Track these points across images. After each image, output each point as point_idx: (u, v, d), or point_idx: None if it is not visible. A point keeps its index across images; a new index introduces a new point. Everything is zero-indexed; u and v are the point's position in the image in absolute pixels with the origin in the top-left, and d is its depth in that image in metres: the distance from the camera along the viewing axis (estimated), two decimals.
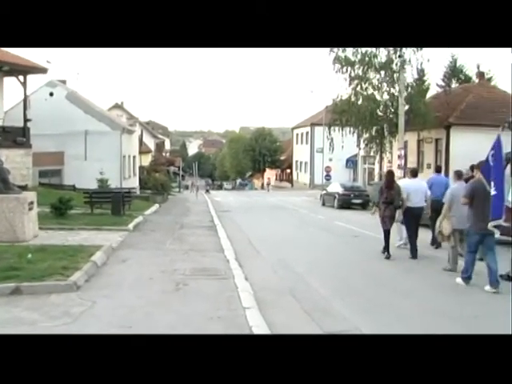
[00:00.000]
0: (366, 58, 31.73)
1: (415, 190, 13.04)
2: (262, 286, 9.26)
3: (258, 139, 77.18)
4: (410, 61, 31.50)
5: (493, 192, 9.04)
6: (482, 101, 33.40)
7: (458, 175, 11.89)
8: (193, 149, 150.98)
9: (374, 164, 38.50)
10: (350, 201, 29.86)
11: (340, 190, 30.57)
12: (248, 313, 7.34)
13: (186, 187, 64.41)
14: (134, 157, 39.46)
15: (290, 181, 72.08)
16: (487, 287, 9.37)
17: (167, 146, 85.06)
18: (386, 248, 12.64)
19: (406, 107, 30.92)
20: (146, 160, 50.30)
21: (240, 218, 22.60)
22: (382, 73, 32.38)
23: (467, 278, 9.76)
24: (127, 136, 35.75)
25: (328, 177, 49.61)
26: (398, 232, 13.73)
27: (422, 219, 13.44)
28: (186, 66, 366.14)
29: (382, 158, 34.31)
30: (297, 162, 70.34)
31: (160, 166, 48.87)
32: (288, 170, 75.68)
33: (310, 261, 12.30)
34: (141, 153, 45.76)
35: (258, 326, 6.73)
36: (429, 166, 31.35)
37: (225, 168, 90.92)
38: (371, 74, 32.61)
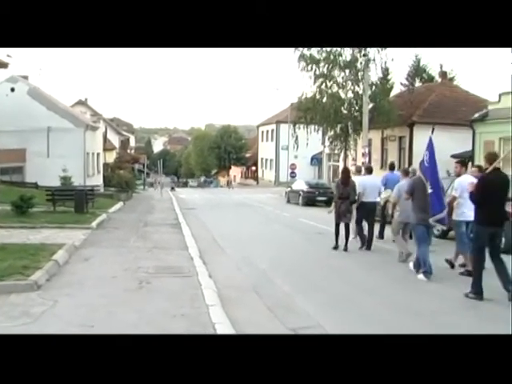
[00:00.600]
0: (331, 57, 31.99)
1: (370, 186, 13.58)
2: (226, 284, 9.26)
3: (224, 136, 77.11)
4: (374, 60, 31.89)
5: (429, 190, 9.74)
6: (445, 100, 34.01)
7: (405, 172, 12.58)
8: (158, 146, 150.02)
9: (338, 161, 38.79)
10: (314, 198, 30.07)
11: (305, 188, 30.77)
12: (211, 310, 7.32)
13: (151, 185, 63.90)
14: (98, 154, 39.03)
15: (256, 178, 72.16)
16: (420, 275, 10.05)
17: (132, 143, 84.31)
18: (336, 241, 13.26)
19: (370, 105, 31.26)
20: (111, 157, 49.76)
21: (205, 215, 22.55)
22: (347, 71, 32.68)
23: (428, 273, 10.01)
24: (91, 133, 35.36)
25: (293, 174, 49.85)
26: (352, 226, 13.99)
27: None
28: (151, 63, 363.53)
29: (346, 156, 34.60)
30: (262, 159, 70.46)
31: (124, 164, 48.45)
32: (253, 168, 75.75)
33: (274, 258, 12.35)
34: (105, 150, 45.27)
35: (221, 324, 6.71)
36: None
37: (190, 165, 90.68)
38: (336, 73, 32.89)
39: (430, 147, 10.27)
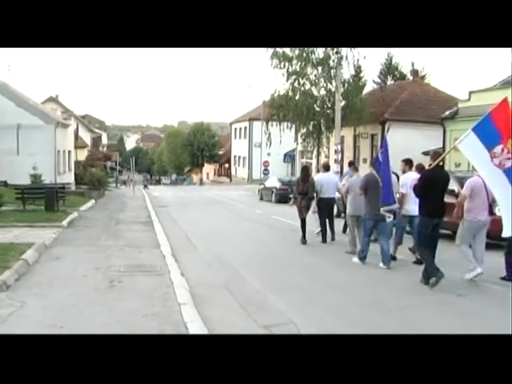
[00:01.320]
0: (304, 54, 32.01)
1: (327, 182, 14.15)
2: (198, 282, 9.23)
3: (197, 134, 76.70)
4: (346, 57, 31.98)
5: (381, 184, 10.67)
6: (416, 98, 34.38)
7: (356, 168, 13.46)
8: (131, 143, 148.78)
9: (311, 158, 38.92)
10: (287, 195, 30.03)
11: (278, 185, 30.77)
12: (183, 309, 7.29)
13: (124, 182, 63.30)
14: (70, 151, 38.52)
15: (229, 175, 72.05)
16: (380, 264, 10.90)
17: (104, 140, 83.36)
18: (303, 235, 13.92)
19: (343, 103, 31.42)
20: (82, 155, 49.14)
21: (177, 213, 22.46)
22: (320, 69, 32.74)
23: (363, 258, 11.22)
24: (62, 130, 34.86)
25: (266, 171, 49.87)
26: (315, 221, 14.75)
27: None
28: (124, 60, 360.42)
29: (319, 153, 34.74)
30: (235, 156, 70.37)
31: (96, 161, 47.87)
32: (226, 165, 75.60)
33: (246, 255, 12.37)
34: (76, 147, 44.70)
35: (193, 322, 6.69)
36: (365, 161, 32.00)
37: (163, 163, 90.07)
38: (308, 70, 32.94)
39: (385, 146, 11.00)
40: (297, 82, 32.91)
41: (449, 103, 29.86)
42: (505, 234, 8.23)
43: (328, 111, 32.73)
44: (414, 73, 42.06)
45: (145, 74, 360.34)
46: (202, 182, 63.78)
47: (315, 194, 14.11)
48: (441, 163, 9.66)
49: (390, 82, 47.87)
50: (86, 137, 58.77)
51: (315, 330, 6.60)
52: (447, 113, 26.75)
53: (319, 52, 32.12)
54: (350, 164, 15.35)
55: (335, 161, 28.56)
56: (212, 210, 25.06)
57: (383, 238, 11.09)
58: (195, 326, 6.52)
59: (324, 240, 14.00)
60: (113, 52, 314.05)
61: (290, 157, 52.73)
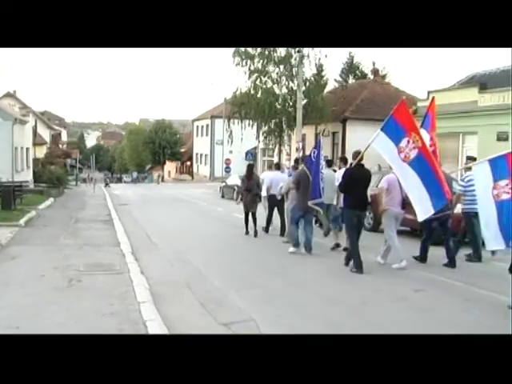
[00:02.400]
0: (266, 52, 32.02)
1: (276, 180, 14.74)
2: (158, 280, 9.17)
3: (158, 131, 76.22)
4: (308, 56, 32.07)
5: (311, 179, 11.75)
6: (377, 96, 34.72)
7: (295, 167, 14.42)
8: (91, 141, 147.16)
9: (273, 156, 38.99)
10: None
11: (239, 183, 30.74)
12: (143, 307, 7.24)
13: (84, 180, 62.50)
14: (28, 149, 37.81)
15: (191, 173, 71.75)
16: (302, 250, 12.14)
17: (64, 137, 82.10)
18: (246, 227, 15.06)
19: (304, 101, 31.50)
20: (41, 152, 48.28)
21: (138, 211, 22.27)
22: (281, 67, 32.79)
23: (296, 244, 12.29)
24: (20, 127, 34.17)
25: (228, 169, 49.83)
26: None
27: None
28: (84, 56, 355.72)
29: (280, 151, 34.83)
30: (197, 154, 70.14)
31: (56, 159, 47.10)
32: (188, 163, 75.28)
33: (207, 253, 12.36)
34: (35, 144, 43.92)
35: (153, 321, 6.65)
36: (326, 158, 32.16)
37: (124, 161, 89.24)
38: (270, 68, 32.96)
39: (319, 146, 12.28)
40: (259, 79, 32.91)
41: (408, 102, 30.24)
42: (419, 219, 9.66)
43: (290, 109, 32.80)
44: (375, 72, 42.52)
45: (105, 70, 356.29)
46: (162, 180, 63.34)
47: (266, 191, 14.94)
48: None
49: (351, 80, 48.34)
50: (45, 134, 57.72)
51: (275, 327, 6.63)
52: None
53: (281, 50, 32.15)
54: (276, 165, 16.49)
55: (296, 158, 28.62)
56: (173, 208, 24.93)
57: (308, 227, 12.33)
58: (155, 325, 6.48)
59: (266, 230, 15.24)
60: (72, 48, 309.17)
61: (251, 154, 52.68)
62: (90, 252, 11.50)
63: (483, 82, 22.97)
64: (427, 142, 9.83)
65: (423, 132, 10.17)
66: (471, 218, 11.25)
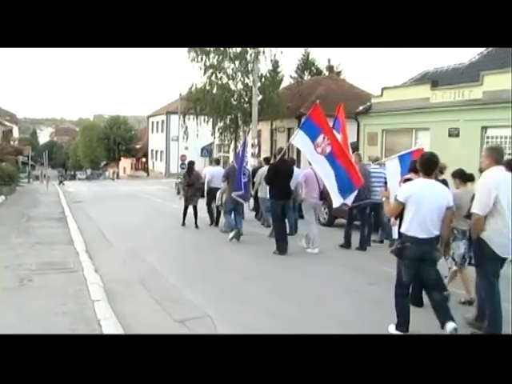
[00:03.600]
0: (221, 48, 31.95)
1: (217, 174, 15.49)
2: (112, 278, 9.07)
3: (113, 127, 75.18)
4: (263, 52, 32.14)
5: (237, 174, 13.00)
6: (331, 93, 35.01)
7: (217, 162, 16.91)
8: (44, 137, 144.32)
9: (228, 152, 39.01)
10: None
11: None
12: (97, 306, 7.16)
13: (37, 178, 61.25)
14: None
15: (146, 170, 71.10)
16: (230, 235, 13.16)
17: (15, 133, 79.97)
18: (183, 220, 16.15)
19: (260, 97, 31.58)
20: None
21: (92, 208, 21.93)
22: (237, 63, 32.76)
23: (231, 231, 13.30)
24: None
25: (183, 165, 49.36)
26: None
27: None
28: (36, 51, 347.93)
29: (236, 147, 34.80)
30: (152, 150, 69.58)
31: (7, 156, 45.91)
32: (144, 159, 74.59)
33: (162, 249, 12.33)
34: None
35: (107, 319, 6.59)
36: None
37: (78, 157, 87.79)
38: (226, 64, 32.90)
39: (244, 144, 14.18)
40: (214, 75, 32.83)
41: (362, 99, 30.62)
42: (334, 205, 11.05)
43: (245, 105, 32.84)
44: (330, 69, 42.93)
45: (59, 64, 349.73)
46: (118, 177, 62.66)
47: (207, 185, 16.14)
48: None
49: (306, 77, 48.64)
50: None
51: (230, 323, 6.65)
52: (361, 108, 27.43)
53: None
54: (215, 161, 18.01)
55: (252, 154, 28.68)
56: (128, 204, 24.66)
57: (238, 218, 13.62)
58: (109, 323, 6.42)
59: (211, 223, 16.22)
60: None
61: (207, 151, 52.57)
62: (42, 251, 11.28)
63: (435, 80, 23.40)
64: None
65: (335, 133, 11.11)
66: (378, 207, 12.37)
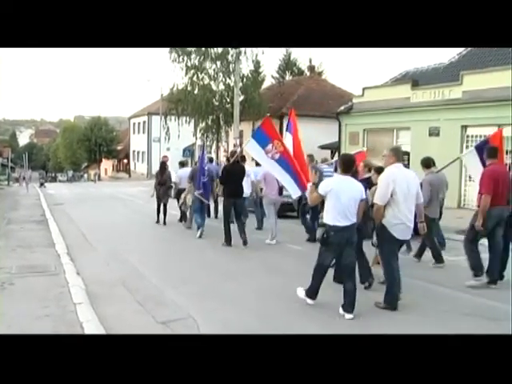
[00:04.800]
0: (203, 49, 31.92)
1: (184, 176, 16.20)
2: (94, 280, 9.00)
3: (94, 129, 74.82)
4: (245, 52, 32.20)
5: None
6: (313, 93, 35.22)
7: (182, 164, 17.96)
8: (24, 139, 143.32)
9: (210, 153, 38.93)
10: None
11: (177, 180, 30.52)
12: (79, 308, 7.10)
13: (17, 180, 60.74)
14: None
15: (128, 171, 70.79)
16: (198, 234, 13.92)
17: None
18: (158, 216, 17.03)
19: (242, 97, 31.61)
20: None
21: (73, 210, 21.76)
22: (218, 63, 32.80)
23: (198, 229, 14.13)
24: None
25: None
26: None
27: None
28: (15, 50, 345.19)
29: (218, 147, 34.84)
30: (134, 151, 69.32)
31: None
32: (125, 160, 74.27)
33: (144, 251, 12.29)
34: None
35: (89, 321, 6.53)
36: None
37: (59, 159, 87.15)
38: (207, 64, 32.95)
39: (203, 149, 17.29)
40: (195, 76, 32.83)
41: (344, 98, 30.81)
42: (293, 196, 12.03)
43: (227, 106, 32.86)
44: (311, 69, 43.09)
45: (39, 65, 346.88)
46: (99, 178, 62.27)
47: (174, 185, 17.21)
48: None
49: (288, 77, 48.79)
50: None
51: (214, 323, 6.64)
52: (342, 108, 27.58)
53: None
54: (181, 163, 18.66)
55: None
56: (109, 206, 24.52)
57: (202, 216, 14.47)
58: (91, 326, 6.37)
59: (180, 220, 16.94)
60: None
61: (189, 151, 52.44)
62: (23, 254, 11.17)
63: (415, 79, 23.59)
64: (290, 145, 12.35)
65: (288, 135, 12.92)
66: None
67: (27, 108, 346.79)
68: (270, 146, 11.60)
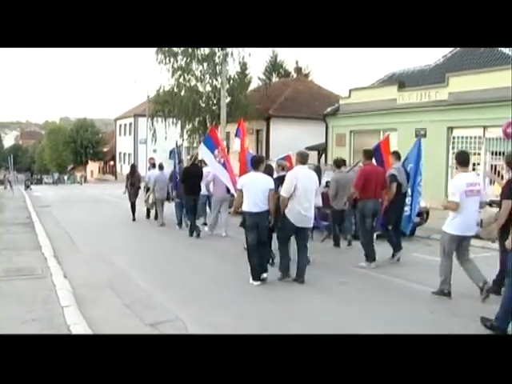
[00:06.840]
0: (189, 50, 31.88)
1: (153, 176, 17.55)
2: (82, 283, 8.95)
3: (80, 130, 74.40)
4: (232, 54, 32.19)
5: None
6: (300, 94, 35.28)
7: (160, 167, 17.93)
8: (9, 141, 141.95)
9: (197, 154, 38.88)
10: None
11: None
12: (66, 311, 7.05)
13: (1, 182, 60.23)
14: None
15: (114, 173, 70.45)
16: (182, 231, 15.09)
17: None
18: (133, 214, 18.39)
19: (228, 99, 31.62)
20: None
21: (60, 212, 21.63)
22: (205, 65, 32.77)
23: (179, 224, 16.03)
24: None
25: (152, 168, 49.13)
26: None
27: None
28: None
29: None
30: (120, 153, 69.00)
31: None
32: (111, 162, 73.92)
33: (131, 253, 12.28)
34: None
35: (77, 324, 6.50)
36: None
37: (44, 161, 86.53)
38: (194, 66, 32.90)
39: (178, 152, 18.71)
40: (182, 77, 32.79)
41: (331, 100, 30.90)
42: (231, 191, 12.94)
43: (213, 107, 32.85)
44: (298, 70, 43.17)
45: (23, 66, 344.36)
46: (85, 180, 61.93)
47: (150, 187, 17.63)
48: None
49: (274, 79, 48.85)
50: None
51: (202, 325, 6.62)
52: (329, 109, 27.66)
53: (204, 48, 32.11)
54: (159, 166, 18.55)
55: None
56: (96, 208, 24.40)
57: (189, 214, 15.06)
58: (79, 329, 6.33)
59: (151, 217, 18.41)
60: None
61: (175, 153, 52.35)
62: (9, 257, 11.06)
63: (401, 81, 23.71)
64: (238, 148, 13.72)
65: (237, 140, 13.97)
66: None
67: (12, 109, 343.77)
68: (216, 152, 13.89)
